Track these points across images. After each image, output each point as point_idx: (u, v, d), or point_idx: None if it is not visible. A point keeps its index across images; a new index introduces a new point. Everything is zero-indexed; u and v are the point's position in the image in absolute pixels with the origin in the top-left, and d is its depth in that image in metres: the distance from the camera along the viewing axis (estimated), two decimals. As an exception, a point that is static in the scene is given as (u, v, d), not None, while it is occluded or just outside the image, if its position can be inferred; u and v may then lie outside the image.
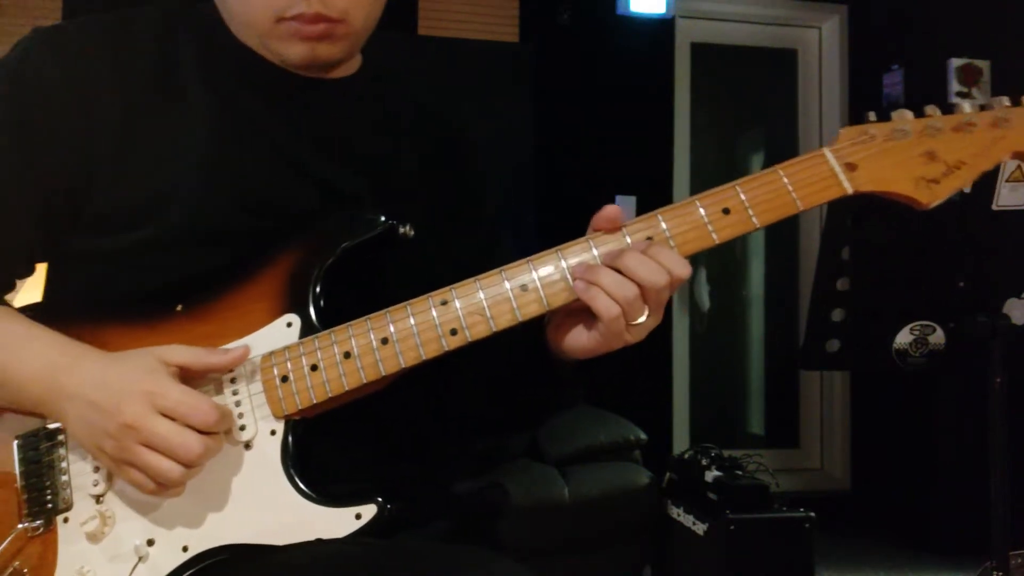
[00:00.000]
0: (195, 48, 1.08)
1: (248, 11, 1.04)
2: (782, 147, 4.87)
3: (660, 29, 4.41)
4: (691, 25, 4.61)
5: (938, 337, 1.86)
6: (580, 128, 4.31)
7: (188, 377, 0.95)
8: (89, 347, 0.98)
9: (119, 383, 0.92)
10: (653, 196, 4.33)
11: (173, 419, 0.90)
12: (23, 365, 0.97)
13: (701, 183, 4.60)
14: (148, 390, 0.91)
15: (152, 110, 1.04)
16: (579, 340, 0.97)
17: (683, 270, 0.92)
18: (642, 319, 0.93)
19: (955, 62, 4.05)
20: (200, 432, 0.91)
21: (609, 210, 0.95)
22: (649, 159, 4.40)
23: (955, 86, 4.04)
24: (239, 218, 1.04)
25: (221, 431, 0.94)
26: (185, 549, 0.95)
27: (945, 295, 1.85)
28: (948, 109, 0.98)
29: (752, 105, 4.97)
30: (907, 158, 0.96)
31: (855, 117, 0.97)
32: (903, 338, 1.86)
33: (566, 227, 1.09)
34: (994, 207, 1.79)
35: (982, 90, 4.05)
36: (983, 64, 4.07)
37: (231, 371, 0.97)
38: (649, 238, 0.95)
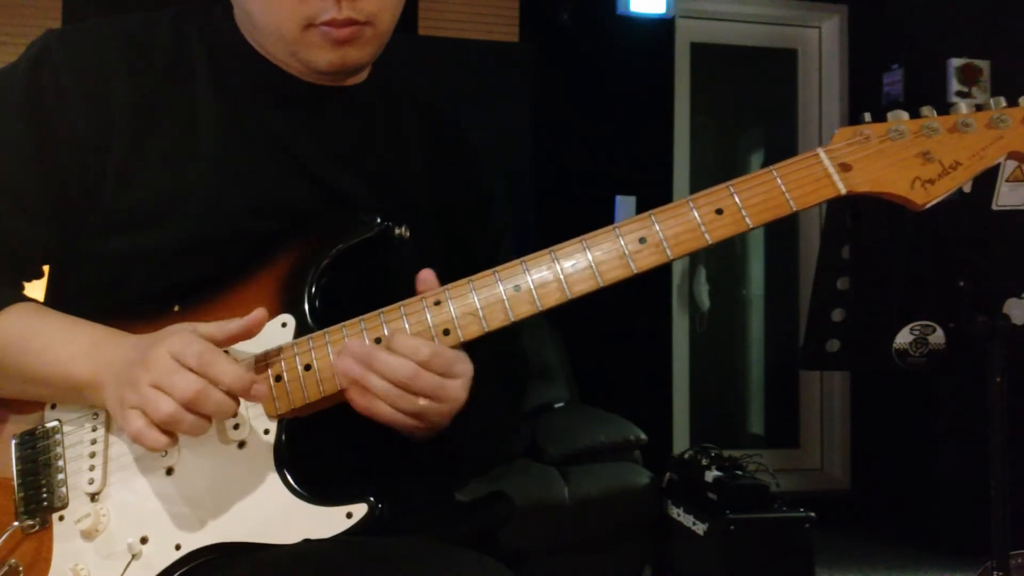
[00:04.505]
0: (206, 54, 1.08)
1: (276, 20, 1.03)
2: (782, 147, 4.87)
3: (660, 29, 4.41)
4: (691, 25, 4.60)
5: (938, 337, 1.85)
6: (580, 128, 4.30)
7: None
8: None
9: (151, 339, 0.94)
10: (653, 196, 4.31)
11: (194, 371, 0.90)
12: (69, 345, 0.98)
13: (701, 183, 4.58)
14: (173, 339, 0.91)
15: (164, 115, 1.04)
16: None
17: (415, 360, 0.91)
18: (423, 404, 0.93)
19: (955, 62, 4.05)
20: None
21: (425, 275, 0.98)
22: (649, 159, 4.39)
23: (955, 86, 4.03)
24: (246, 223, 1.04)
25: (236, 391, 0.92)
26: (178, 547, 0.96)
27: (945, 295, 1.84)
28: (947, 109, 0.98)
29: (752, 105, 4.97)
30: (902, 159, 0.96)
31: (855, 117, 0.97)
32: (903, 338, 1.85)
33: (565, 227, 1.09)
34: (994, 207, 1.78)
35: (982, 90, 4.04)
36: (983, 64, 4.07)
37: (254, 335, 0.95)
38: (642, 239, 0.96)
